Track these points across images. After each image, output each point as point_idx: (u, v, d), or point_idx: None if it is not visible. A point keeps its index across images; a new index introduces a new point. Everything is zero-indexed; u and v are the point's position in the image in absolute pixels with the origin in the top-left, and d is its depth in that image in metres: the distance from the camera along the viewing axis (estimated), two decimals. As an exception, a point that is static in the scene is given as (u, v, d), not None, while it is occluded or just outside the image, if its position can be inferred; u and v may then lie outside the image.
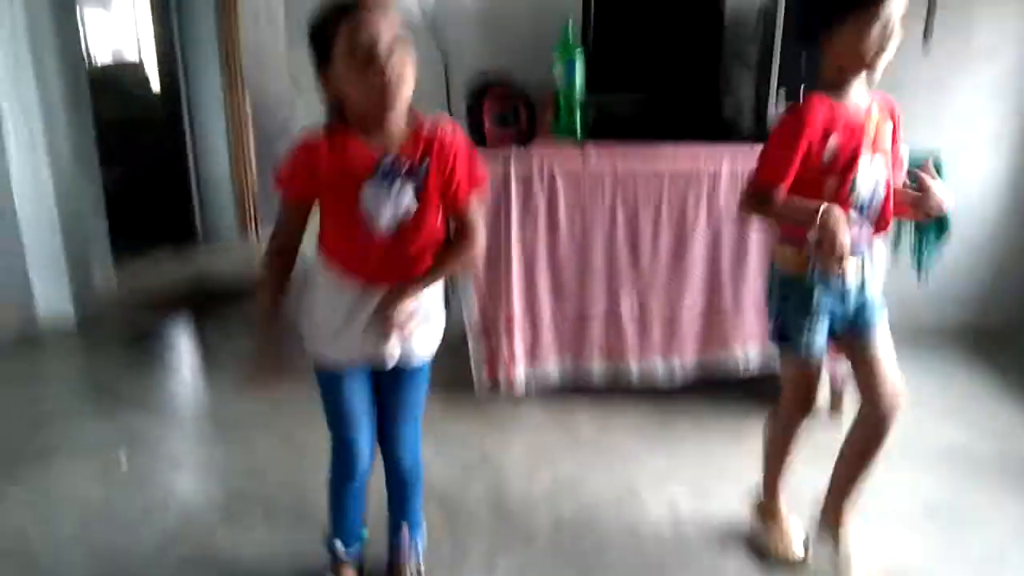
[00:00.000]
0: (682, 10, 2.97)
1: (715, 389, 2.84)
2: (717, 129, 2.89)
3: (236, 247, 5.08)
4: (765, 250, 2.61)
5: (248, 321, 3.71)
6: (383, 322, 1.52)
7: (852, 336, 1.83)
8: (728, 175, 2.56)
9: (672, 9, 2.97)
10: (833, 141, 1.66)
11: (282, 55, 4.47)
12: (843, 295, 1.78)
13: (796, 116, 1.68)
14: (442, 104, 3.22)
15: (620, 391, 2.81)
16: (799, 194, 1.68)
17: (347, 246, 1.55)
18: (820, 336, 1.81)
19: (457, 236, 1.59)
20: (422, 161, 1.49)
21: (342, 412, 1.70)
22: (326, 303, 1.61)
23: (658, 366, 2.75)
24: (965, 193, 3.13)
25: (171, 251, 4.90)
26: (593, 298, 2.68)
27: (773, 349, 1.93)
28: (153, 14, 4.83)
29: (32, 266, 3.63)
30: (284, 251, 1.59)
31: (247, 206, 5.20)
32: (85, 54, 4.25)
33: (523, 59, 3.03)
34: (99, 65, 5.48)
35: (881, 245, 1.83)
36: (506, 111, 2.64)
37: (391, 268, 1.53)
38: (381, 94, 1.40)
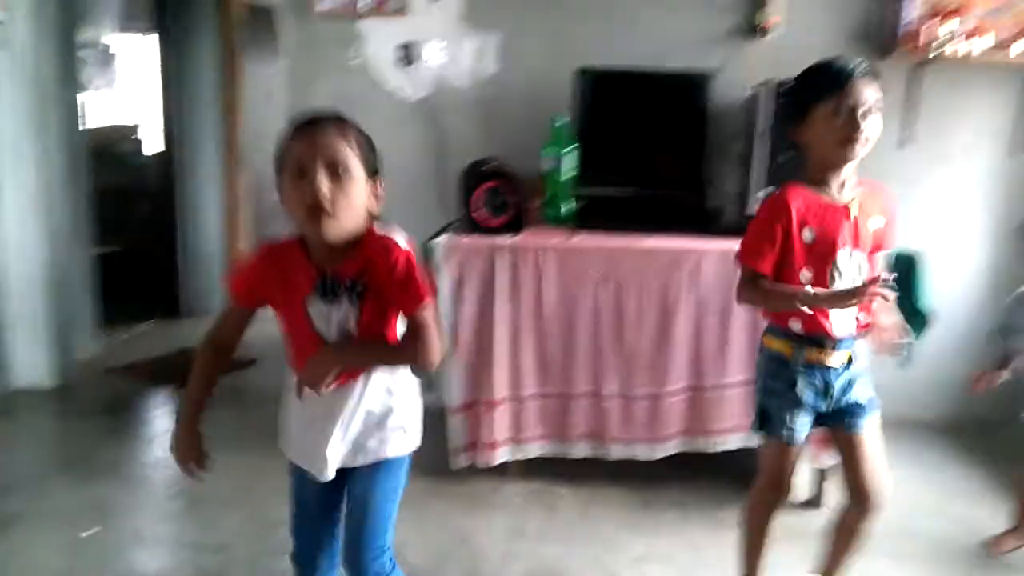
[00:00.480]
0: (669, 106, 3.10)
1: (697, 470, 2.82)
2: (701, 220, 2.97)
3: (222, 322, 5.06)
4: (748, 334, 2.63)
5: (225, 397, 3.67)
6: (309, 377, 1.47)
7: (840, 430, 1.85)
8: (712, 259, 2.61)
9: (660, 105, 3.10)
10: (808, 233, 1.71)
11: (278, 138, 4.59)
12: (827, 388, 1.80)
13: (771, 202, 1.75)
14: (433, 187, 3.30)
15: (602, 470, 2.78)
16: (781, 281, 1.74)
17: (298, 354, 1.53)
18: (801, 424, 1.82)
19: (406, 338, 1.52)
20: (357, 280, 1.45)
21: (294, 514, 1.68)
22: (288, 404, 1.62)
23: (640, 447, 2.72)
24: (946, 286, 3.19)
25: (155, 323, 4.88)
26: (577, 378, 2.68)
27: (755, 431, 1.93)
28: (157, 85, 4.95)
29: (13, 331, 3.63)
30: (217, 347, 1.61)
31: (236, 281, 5.20)
32: (86, 123, 4.33)
33: (516, 148, 3.13)
34: (99, 131, 5.57)
35: (864, 344, 1.85)
36: (497, 197, 2.71)
37: (339, 374, 1.48)
38: (312, 214, 1.38)
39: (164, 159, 5.03)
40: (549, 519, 2.61)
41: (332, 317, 1.47)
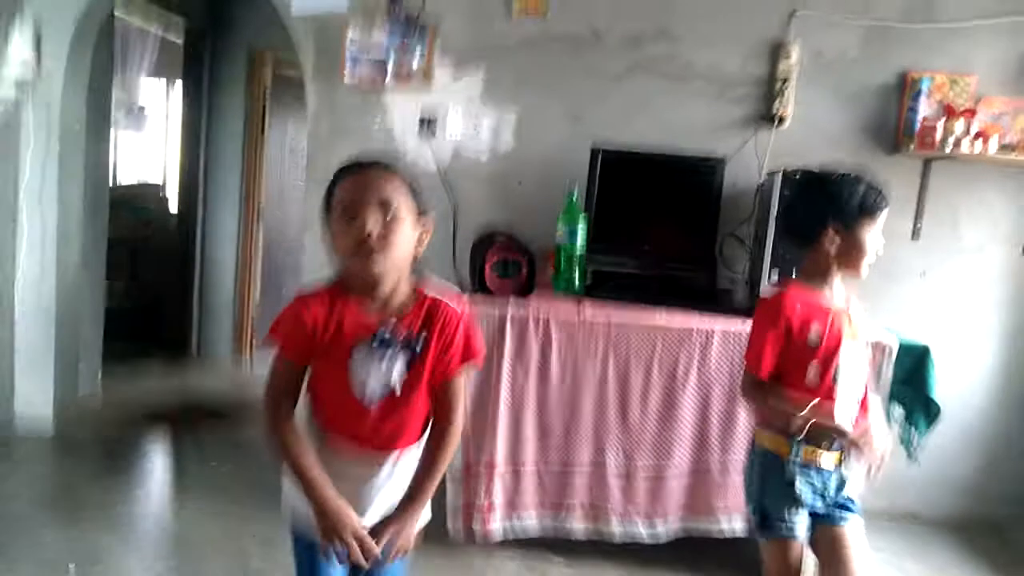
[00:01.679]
0: (682, 184, 3.15)
1: (698, 553, 2.74)
2: (711, 298, 2.98)
3: (227, 367, 5.07)
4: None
5: (225, 445, 3.64)
6: (390, 548, 1.43)
7: (825, 526, 1.82)
8: (720, 339, 2.61)
9: (673, 183, 3.15)
10: (815, 329, 1.75)
11: (300, 195, 4.68)
12: (824, 487, 1.80)
13: (771, 305, 1.79)
14: (448, 252, 3.34)
15: (600, 547, 2.71)
16: (786, 379, 1.77)
17: (331, 409, 1.49)
18: (801, 521, 1.81)
19: (439, 416, 1.50)
20: (419, 333, 1.44)
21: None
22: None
23: (640, 526, 2.66)
24: (956, 381, 3.17)
25: (162, 365, 4.89)
26: (578, 450, 2.65)
27: (757, 535, 1.89)
28: (183, 140, 5.08)
29: (19, 368, 3.66)
30: (288, 414, 1.48)
31: (245, 331, 5.24)
32: (111, 173, 4.44)
33: (528, 216, 3.19)
34: (122, 184, 5.71)
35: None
36: (508, 262, 2.75)
37: (372, 437, 1.47)
38: (360, 251, 1.37)
39: (185, 212, 5.14)
40: (544, 595, 2.54)
41: (374, 369, 1.42)
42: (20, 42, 3.45)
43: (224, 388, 4.55)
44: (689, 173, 3.14)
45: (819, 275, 1.81)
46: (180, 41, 5.04)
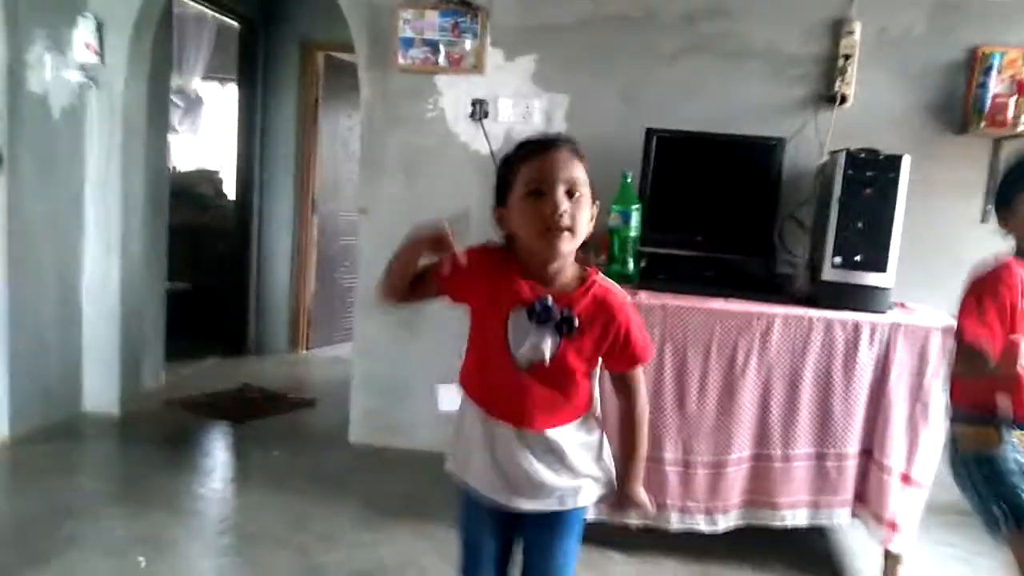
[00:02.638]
0: (739, 170, 3.08)
1: (760, 548, 2.69)
2: (769, 286, 2.91)
3: (285, 361, 5.15)
4: (817, 404, 2.54)
5: (280, 438, 3.71)
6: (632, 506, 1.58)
7: None
8: (781, 324, 2.53)
9: (730, 165, 3.08)
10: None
11: (353, 186, 4.72)
12: None
13: (994, 276, 1.76)
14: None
15: (659, 538, 2.67)
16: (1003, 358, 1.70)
17: (480, 371, 1.52)
18: None
19: (623, 405, 1.57)
20: (579, 315, 1.43)
21: (462, 541, 1.63)
22: (461, 422, 1.57)
23: (700, 517, 2.62)
24: None
25: (221, 359, 4.99)
26: (635, 440, 2.61)
27: (1009, 535, 1.77)
28: (238, 130, 5.16)
29: (86, 361, 3.78)
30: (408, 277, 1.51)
31: (301, 322, 5.32)
32: (171, 165, 4.54)
33: (582, 203, 3.14)
34: (183, 173, 5.83)
35: None
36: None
37: (521, 408, 1.47)
38: (550, 230, 1.37)
39: (241, 203, 5.22)
40: (601, 586, 2.53)
41: (528, 338, 1.44)
42: (84, 32, 3.53)
43: (282, 380, 4.62)
44: (747, 155, 3.06)
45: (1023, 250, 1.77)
46: (236, 32, 5.11)
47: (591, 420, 1.56)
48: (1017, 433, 1.71)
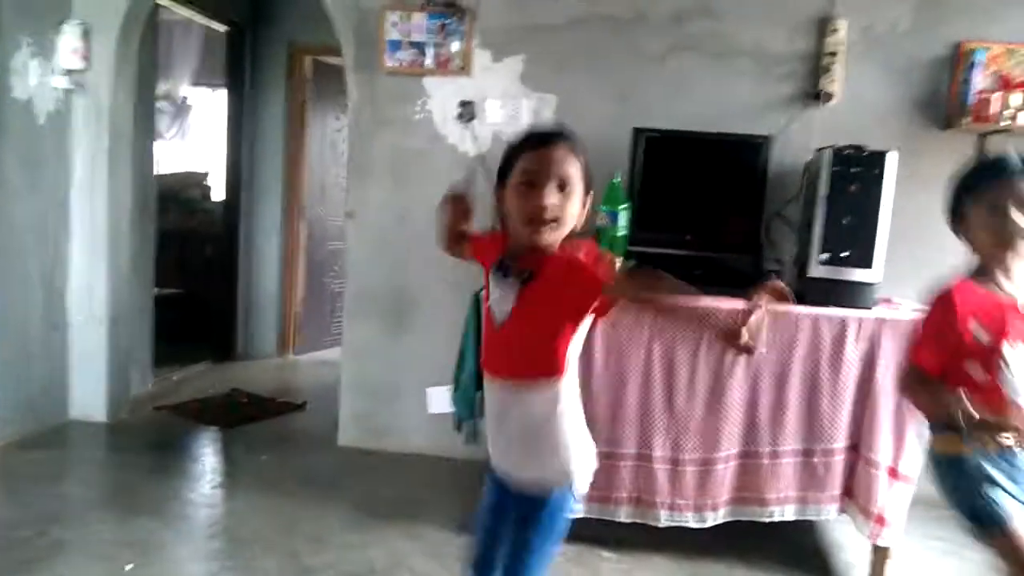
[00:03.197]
0: (726, 169, 3.09)
1: (748, 542, 2.70)
2: (757, 284, 2.90)
3: (274, 366, 5.13)
4: (804, 400, 2.56)
5: (270, 442, 3.69)
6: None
7: None
8: (769, 323, 2.53)
9: (717, 167, 3.09)
10: (975, 327, 1.67)
11: (342, 189, 4.71)
12: (1013, 468, 1.70)
13: (940, 300, 1.72)
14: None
15: (648, 534, 2.66)
16: (949, 378, 1.69)
17: (484, 334, 1.66)
18: (1009, 500, 1.70)
19: (642, 305, 1.67)
20: (527, 268, 1.52)
21: (477, 514, 1.70)
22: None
23: (689, 514, 2.62)
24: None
25: (210, 364, 4.97)
26: (624, 438, 2.61)
27: (980, 537, 1.77)
28: (227, 137, 5.14)
29: (73, 368, 3.76)
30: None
31: (289, 327, 5.30)
32: (157, 170, 4.52)
33: (570, 203, 3.15)
34: (169, 178, 5.79)
35: None
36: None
37: (499, 362, 1.58)
38: (534, 221, 1.47)
39: (229, 207, 5.19)
40: (591, 585, 2.53)
41: (498, 300, 1.56)
42: (70, 38, 3.52)
43: (271, 385, 4.61)
44: (734, 153, 3.08)
45: (981, 268, 1.73)
46: (222, 35, 5.10)
47: (564, 390, 1.56)
48: (986, 437, 1.67)
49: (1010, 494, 1.70)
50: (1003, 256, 1.69)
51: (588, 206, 1.54)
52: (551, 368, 1.55)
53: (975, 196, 1.70)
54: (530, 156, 1.49)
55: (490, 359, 1.62)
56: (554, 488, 1.57)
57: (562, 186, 1.47)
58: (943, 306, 1.70)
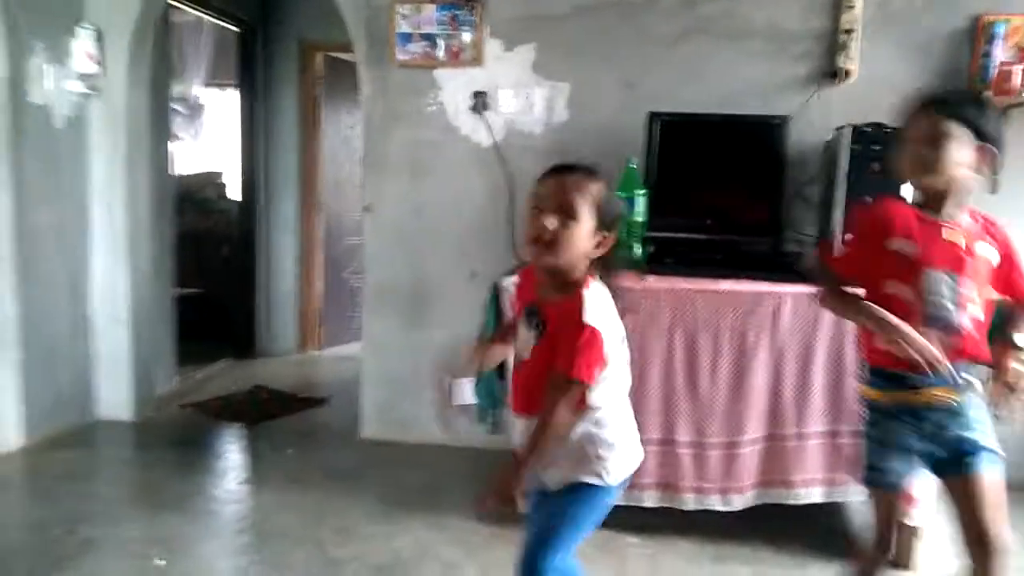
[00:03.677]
0: (744, 150, 3.06)
1: (774, 525, 2.68)
2: (778, 265, 2.88)
3: (295, 362, 5.16)
4: (829, 381, 2.54)
5: (294, 436, 3.71)
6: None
7: (953, 475, 1.73)
8: (792, 304, 2.52)
9: (734, 149, 3.06)
10: (898, 243, 1.67)
11: (356, 186, 4.73)
12: (927, 428, 1.70)
13: (865, 210, 1.77)
14: (505, 229, 3.32)
15: (673, 519, 2.66)
16: (870, 294, 1.71)
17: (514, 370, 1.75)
18: (893, 469, 1.74)
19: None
20: (550, 321, 1.59)
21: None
22: None
23: (715, 497, 2.61)
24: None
25: (232, 362, 5.00)
26: (648, 424, 2.59)
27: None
28: (241, 136, 5.16)
29: (98, 368, 3.80)
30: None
31: (309, 323, 5.33)
32: (174, 170, 4.55)
33: (587, 190, 3.13)
34: (186, 178, 5.83)
35: (976, 383, 1.72)
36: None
37: (519, 397, 1.68)
38: (534, 244, 1.56)
39: (245, 206, 5.22)
40: (618, 570, 2.52)
41: (522, 339, 1.66)
42: (84, 41, 3.54)
43: (292, 381, 4.63)
44: (751, 135, 3.05)
45: (919, 198, 1.74)
46: (234, 36, 5.11)
47: (590, 418, 1.62)
48: (903, 391, 1.70)
49: (912, 454, 1.72)
50: (918, 185, 1.71)
51: (607, 243, 1.60)
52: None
53: (902, 131, 1.73)
54: (545, 181, 1.59)
55: (514, 396, 1.71)
56: (569, 484, 1.64)
57: (563, 211, 1.53)
58: (868, 216, 1.72)
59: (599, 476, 1.64)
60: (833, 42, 3.12)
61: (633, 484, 2.61)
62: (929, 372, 1.60)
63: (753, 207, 3.05)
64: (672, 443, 2.59)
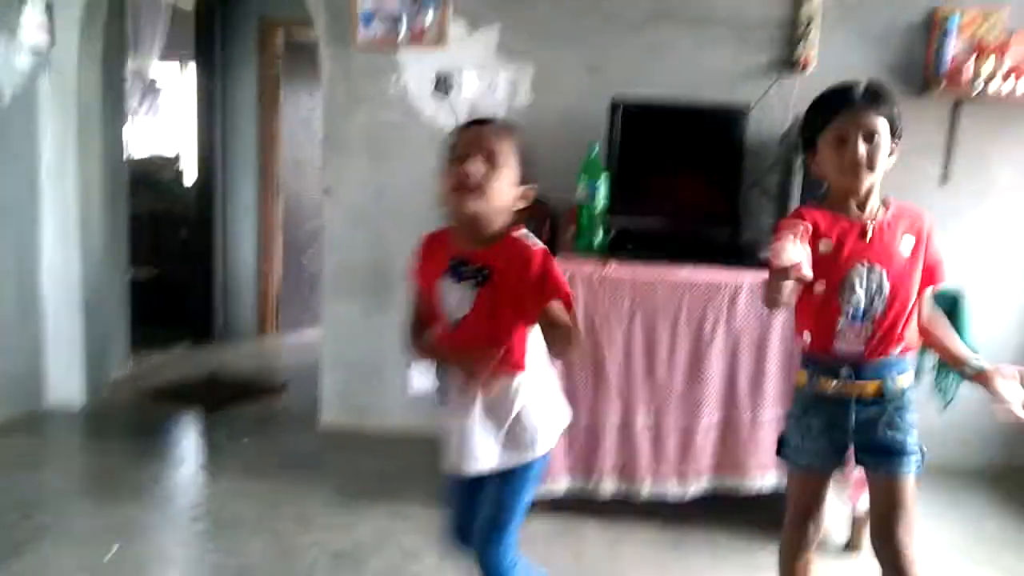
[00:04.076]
0: (704, 139, 3.08)
1: (730, 510, 2.73)
2: (736, 253, 2.91)
3: (253, 346, 5.09)
4: (784, 369, 2.58)
5: (251, 423, 3.67)
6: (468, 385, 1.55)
7: (869, 472, 1.76)
8: (748, 292, 2.56)
9: (694, 137, 3.08)
10: (823, 245, 1.66)
11: (317, 168, 4.66)
12: (847, 420, 1.71)
13: (787, 218, 1.73)
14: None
15: (631, 507, 2.70)
16: (797, 306, 1.71)
17: (438, 333, 1.67)
18: (811, 448, 1.76)
19: (544, 331, 1.57)
20: (484, 267, 1.55)
21: (448, 492, 1.77)
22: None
23: (671, 484, 2.65)
24: (989, 327, 3.09)
25: (189, 346, 4.92)
26: (607, 410, 2.62)
27: (777, 456, 1.89)
28: (198, 114, 5.05)
29: (48, 353, 3.70)
30: (421, 322, 1.72)
31: (268, 307, 5.26)
32: (128, 150, 4.44)
33: (548, 175, 3.09)
34: (139, 159, 5.69)
35: (905, 379, 1.74)
36: (529, 224, 2.68)
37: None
38: (457, 190, 1.52)
39: (202, 187, 5.11)
40: (575, 558, 2.54)
41: (454, 298, 1.58)
42: (33, 14, 3.42)
43: (251, 366, 4.57)
44: (711, 123, 3.06)
45: (834, 197, 1.71)
46: (192, 11, 4.99)
47: (527, 381, 1.63)
48: (824, 378, 1.72)
49: (832, 442, 1.73)
50: (852, 185, 1.66)
51: (527, 197, 1.59)
52: (512, 365, 1.60)
53: (824, 128, 1.66)
54: (463, 133, 1.58)
55: (445, 359, 1.65)
56: (522, 461, 1.65)
57: (489, 159, 1.51)
58: (790, 221, 1.67)
59: (536, 450, 1.65)
60: (793, 32, 3.15)
61: (592, 468, 2.67)
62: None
63: (712, 195, 3.08)
64: (630, 427, 2.62)
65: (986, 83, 2.97)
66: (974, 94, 3.00)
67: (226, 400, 3.95)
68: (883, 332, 1.68)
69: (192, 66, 5.23)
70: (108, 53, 3.81)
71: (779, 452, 1.86)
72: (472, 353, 1.54)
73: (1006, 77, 2.97)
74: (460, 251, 1.59)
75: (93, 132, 3.73)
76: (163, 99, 6.76)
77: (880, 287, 1.67)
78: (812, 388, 1.75)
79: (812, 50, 3.12)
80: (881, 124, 1.64)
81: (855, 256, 1.67)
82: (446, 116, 3.36)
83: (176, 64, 6.51)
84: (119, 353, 4.14)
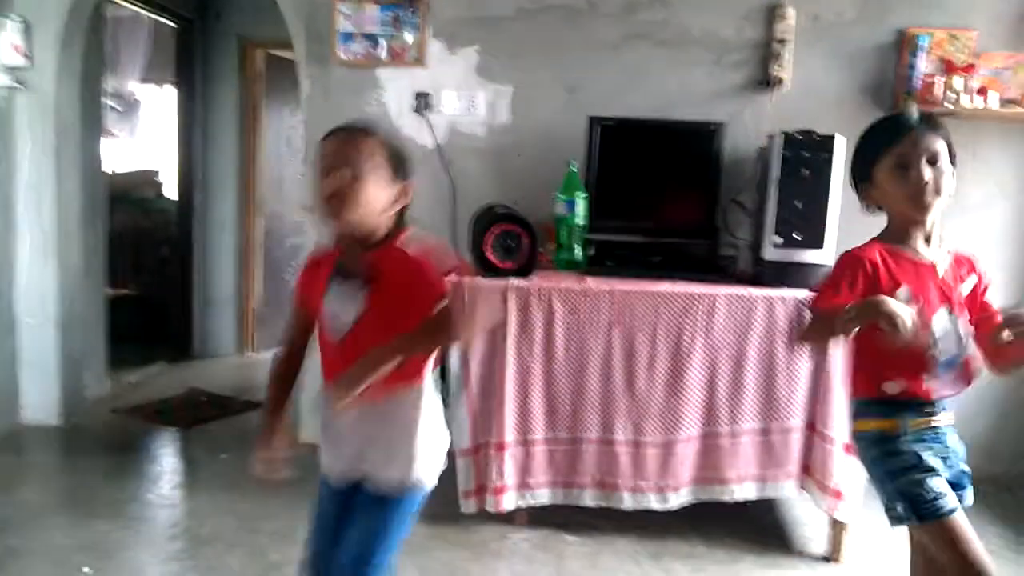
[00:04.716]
0: (681, 155, 3.13)
1: (710, 522, 2.74)
2: (713, 268, 2.96)
3: (231, 364, 5.05)
4: (762, 380, 2.61)
5: (229, 439, 3.64)
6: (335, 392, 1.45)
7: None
8: (725, 305, 2.59)
9: (672, 154, 3.12)
10: (904, 292, 1.57)
11: (298, 184, 4.66)
12: (944, 450, 1.63)
13: (849, 256, 1.64)
14: (448, 230, 3.32)
15: (612, 518, 2.70)
16: (874, 354, 1.60)
17: (321, 351, 1.60)
18: (942, 486, 1.58)
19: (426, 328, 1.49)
20: (373, 272, 1.51)
21: (310, 518, 1.70)
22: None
23: (651, 496, 2.65)
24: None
25: (168, 364, 4.87)
26: (587, 423, 2.63)
27: (908, 523, 1.62)
28: (179, 134, 5.04)
29: (24, 369, 3.66)
30: (288, 355, 1.68)
31: (248, 325, 5.23)
32: (106, 168, 4.42)
33: (528, 192, 3.17)
34: (120, 176, 5.66)
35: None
36: (509, 241, 2.71)
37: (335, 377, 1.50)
38: (323, 207, 1.49)
39: (182, 205, 5.09)
40: (557, 569, 2.54)
41: (339, 311, 1.53)
42: (11, 33, 3.42)
43: (230, 383, 4.54)
44: (688, 140, 3.11)
45: (897, 231, 1.63)
46: (172, 32, 5.00)
47: (422, 394, 1.58)
48: (917, 417, 1.62)
49: (944, 478, 1.61)
50: (918, 215, 1.59)
51: (407, 192, 1.54)
52: (409, 375, 1.53)
53: (882, 156, 1.60)
54: (326, 144, 1.52)
55: (326, 374, 1.55)
56: (406, 487, 1.56)
57: (356, 164, 1.47)
58: (852, 256, 1.61)
59: (421, 478, 1.57)
60: (767, 52, 3.21)
61: (572, 482, 2.67)
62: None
63: (690, 211, 3.12)
64: (610, 441, 2.63)
65: (956, 100, 3.04)
66: (946, 109, 3.07)
67: (205, 417, 3.92)
68: (966, 370, 1.64)
69: (173, 85, 5.23)
70: (87, 71, 3.80)
71: (915, 514, 1.58)
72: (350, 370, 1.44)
73: (975, 95, 3.04)
74: (344, 261, 1.55)
75: (71, 150, 3.72)
76: (144, 118, 6.75)
77: (960, 330, 1.62)
78: (906, 430, 1.61)
79: (786, 69, 3.18)
80: (941, 147, 1.58)
81: (933, 302, 1.60)
82: (426, 135, 3.38)
83: (157, 83, 6.51)
84: (97, 370, 4.10)
